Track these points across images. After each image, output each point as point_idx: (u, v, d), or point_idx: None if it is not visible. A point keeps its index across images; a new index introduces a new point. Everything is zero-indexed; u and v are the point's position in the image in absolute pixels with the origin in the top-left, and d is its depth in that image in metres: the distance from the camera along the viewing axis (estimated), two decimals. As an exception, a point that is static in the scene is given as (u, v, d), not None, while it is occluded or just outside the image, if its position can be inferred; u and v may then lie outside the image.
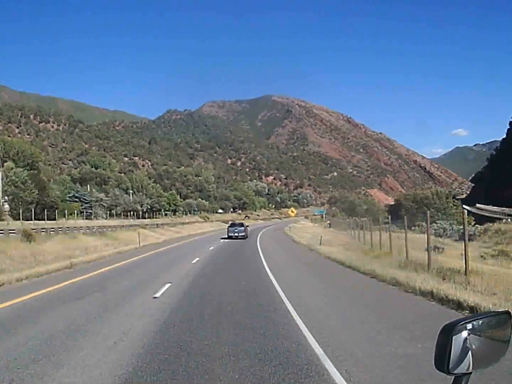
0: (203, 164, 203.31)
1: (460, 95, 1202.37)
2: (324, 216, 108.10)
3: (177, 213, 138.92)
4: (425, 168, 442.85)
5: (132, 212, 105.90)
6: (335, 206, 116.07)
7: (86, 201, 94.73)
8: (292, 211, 76.78)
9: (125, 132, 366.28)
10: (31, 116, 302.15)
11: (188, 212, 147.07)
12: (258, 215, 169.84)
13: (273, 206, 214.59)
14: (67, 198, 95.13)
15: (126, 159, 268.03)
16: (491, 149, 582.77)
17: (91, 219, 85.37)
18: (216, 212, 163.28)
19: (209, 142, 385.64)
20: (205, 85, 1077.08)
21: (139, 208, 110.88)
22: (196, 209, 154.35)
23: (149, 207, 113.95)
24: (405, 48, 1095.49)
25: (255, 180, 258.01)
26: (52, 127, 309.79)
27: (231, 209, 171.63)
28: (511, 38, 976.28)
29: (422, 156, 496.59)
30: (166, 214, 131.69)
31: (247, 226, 59.27)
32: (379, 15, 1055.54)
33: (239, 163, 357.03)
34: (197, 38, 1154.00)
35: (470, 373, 2.07)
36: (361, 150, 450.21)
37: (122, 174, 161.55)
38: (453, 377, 2.08)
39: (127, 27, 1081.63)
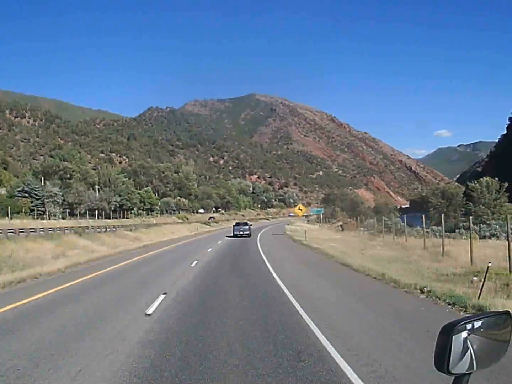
0: (184, 161, 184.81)
1: (443, 96, 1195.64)
2: (321, 215, 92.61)
3: (153, 213, 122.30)
4: (411, 168, 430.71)
5: (97, 211, 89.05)
6: (334, 205, 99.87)
7: (37, 197, 77.22)
8: (299, 209, 58.70)
9: (105, 129, 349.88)
10: (7, 111, 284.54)
11: (165, 212, 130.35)
12: (242, 215, 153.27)
13: (259, 206, 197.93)
14: (16, 193, 77.95)
15: (103, 155, 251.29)
16: (476, 150, 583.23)
17: (42, 218, 68.61)
18: (197, 212, 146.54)
19: (191, 139, 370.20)
20: (188, 84, 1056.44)
21: (106, 206, 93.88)
22: (175, 208, 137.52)
23: (117, 205, 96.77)
24: (389, 49, 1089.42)
25: (238, 179, 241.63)
26: (28, 122, 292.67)
27: (213, 209, 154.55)
28: (495, 40, 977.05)
29: (407, 156, 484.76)
30: (139, 214, 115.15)
31: (251, 225, 60.25)
32: (364, 16, 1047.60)
33: (221, 161, 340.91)
34: (182, 38, 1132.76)
35: (470, 373, 2.03)
36: (346, 149, 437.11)
37: (95, 170, 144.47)
38: (453, 377, 2.04)
39: (111, 28, 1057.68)
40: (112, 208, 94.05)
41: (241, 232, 53.79)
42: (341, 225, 64.29)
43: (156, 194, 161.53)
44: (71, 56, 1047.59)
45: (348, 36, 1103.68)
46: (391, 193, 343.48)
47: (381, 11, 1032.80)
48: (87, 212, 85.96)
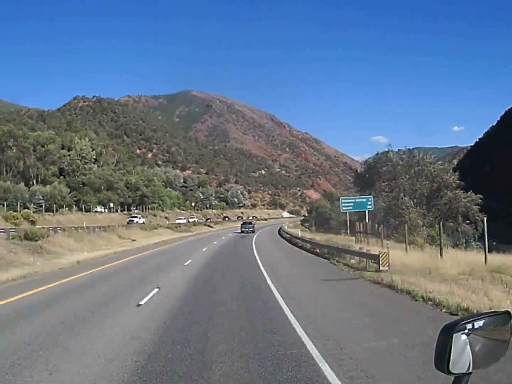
0: (83, 132, 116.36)
1: (379, 102, 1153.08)
2: (367, 214, 34.74)
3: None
4: (357, 171, 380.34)
5: None
6: (398, 188, 40.72)
7: None
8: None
9: (27, 120, 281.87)
10: None
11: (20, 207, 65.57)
12: (166, 217, 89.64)
13: (193, 205, 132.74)
14: None
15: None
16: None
17: None
18: (92, 211, 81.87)
19: (117, 130, 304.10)
20: (120, 81, 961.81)
21: None
22: (43, 201, 72.95)
23: None
24: (325, 54, 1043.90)
25: (163, 167, 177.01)
26: None
27: (111, 205, 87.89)
28: (427, 44, 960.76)
29: (351, 158, 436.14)
30: None
31: (254, 224, 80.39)
32: (301, 19, 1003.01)
33: (150, 155, 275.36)
34: (117, 37, 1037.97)
35: (470, 373, 1.95)
36: (287, 149, 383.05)
37: None
38: (453, 377, 1.96)
39: (52, 32, 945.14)
40: None
41: (247, 229, 69.61)
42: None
43: (34, 180, 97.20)
44: (12, 56, 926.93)
45: (284, 38, 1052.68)
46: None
47: (319, 14, 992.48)
48: None
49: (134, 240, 44.03)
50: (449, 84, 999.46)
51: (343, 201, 39.36)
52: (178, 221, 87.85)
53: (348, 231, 37.51)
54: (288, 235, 55.34)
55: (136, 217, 79.89)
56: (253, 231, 69.11)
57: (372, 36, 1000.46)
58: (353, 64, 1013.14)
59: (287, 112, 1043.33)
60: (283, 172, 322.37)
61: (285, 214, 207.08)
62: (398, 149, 46.90)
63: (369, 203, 36.34)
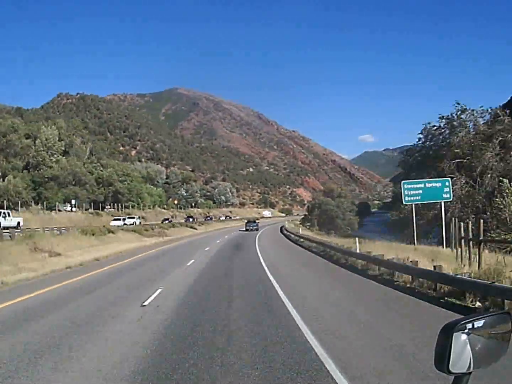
0: (49, 121, 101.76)
1: (366, 101, 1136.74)
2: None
3: None
4: (346, 169, 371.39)
5: None
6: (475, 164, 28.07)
7: None
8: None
9: (4, 115, 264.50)
10: None
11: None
12: (143, 216, 76.66)
13: (176, 203, 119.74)
14: None
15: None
16: (402, 154, 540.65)
17: None
18: (53, 209, 68.76)
19: (100, 127, 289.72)
20: (107, 79, 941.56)
21: None
22: (-9, 198, 59.81)
23: None
24: (312, 54, 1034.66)
25: (143, 161, 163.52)
26: None
27: (87, 204, 73.85)
28: (418, 43, 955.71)
29: (340, 156, 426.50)
30: None
31: (258, 222, 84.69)
32: (285, 18, 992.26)
33: (133, 152, 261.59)
34: (105, 38, 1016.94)
35: (470, 373, 1.93)
36: (275, 147, 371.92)
37: None
38: (453, 377, 1.95)
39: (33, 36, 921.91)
40: None
41: (251, 227, 74.16)
42: None
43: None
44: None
45: (273, 38, 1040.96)
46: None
47: (307, 15, 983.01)
48: None
49: (59, 255, 27.15)
50: (437, 82, 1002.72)
51: (406, 186, 25.18)
52: (113, 223, 61.04)
53: (415, 237, 23.50)
54: (314, 244, 35.52)
55: None
56: (257, 229, 73.09)
57: (360, 36, 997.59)
58: (341, 64, 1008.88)
59: (275, 110, 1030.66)
60: (272, 170, 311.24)
61: (266, 212, 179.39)
62: (472, 109, 32.30)
63: (445, 189, 23.47)
